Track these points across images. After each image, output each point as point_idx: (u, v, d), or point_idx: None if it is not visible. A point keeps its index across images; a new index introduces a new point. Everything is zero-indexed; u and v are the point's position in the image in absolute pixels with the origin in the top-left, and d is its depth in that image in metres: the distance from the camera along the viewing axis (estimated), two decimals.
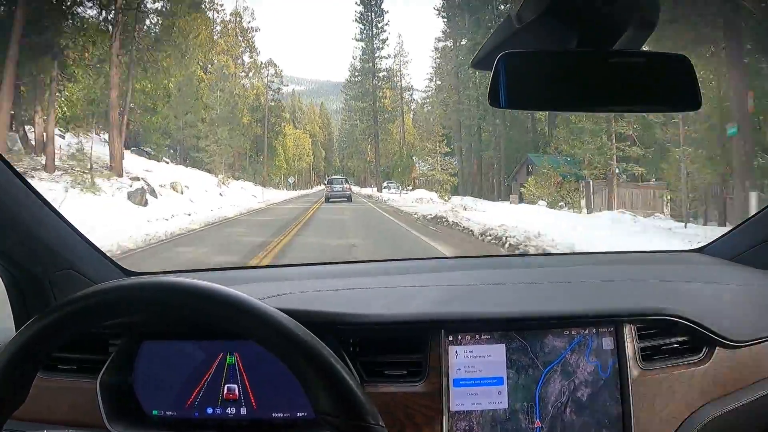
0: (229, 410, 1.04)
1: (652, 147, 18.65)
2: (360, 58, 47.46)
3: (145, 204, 15.80)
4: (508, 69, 0.75)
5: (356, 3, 45.76)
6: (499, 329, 1.02)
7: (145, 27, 21.47)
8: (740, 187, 12.37)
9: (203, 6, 30.93)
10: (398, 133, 49.27)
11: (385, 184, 43.28)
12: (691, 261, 1.49)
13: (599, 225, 11.78)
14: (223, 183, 26.91)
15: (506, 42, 0.79)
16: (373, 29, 46.48)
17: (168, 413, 1.04)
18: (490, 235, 10.26)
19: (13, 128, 17.70)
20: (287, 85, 49.87)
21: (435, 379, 1.00)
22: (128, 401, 1.04)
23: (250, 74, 42.00)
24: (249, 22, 42.35)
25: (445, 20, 36.16)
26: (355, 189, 44.52)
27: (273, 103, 45.85)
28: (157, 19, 21.94)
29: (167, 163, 27.89)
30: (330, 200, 25.86)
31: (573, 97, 0.79)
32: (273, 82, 45.96)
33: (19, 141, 17.94)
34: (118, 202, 14.93)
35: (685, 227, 12.10)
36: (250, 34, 41.70)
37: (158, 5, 21.87)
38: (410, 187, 38.69)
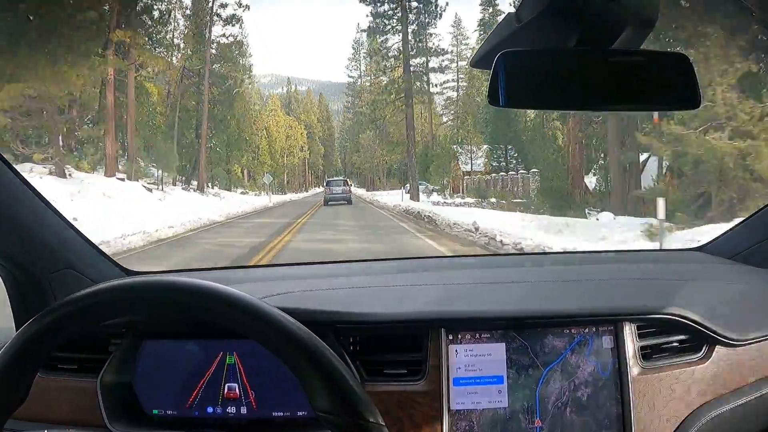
0: (229, 409, 1.04)
1: None
2: None
3: None
4: (508, 68, 0.75)
5: None
6: (499, 328, 1.02)
7: None
8: None
9: None
10: (420, 116, 33.42)
11: (422, 188, 28.31)
12: (690, 260, 1.49)
13: None
14: None
15: (505, 41, 0.79)
16: None
17: (168, 412, 1.05)
18: None
19: None
20: (247, 7, 28.09)
21: (435, 378, 1.00)
22: (129, 400, 1.04)
23: None
24: None
25: None
26: (360, 192, 34.88)
27: (225, 40, 26.36)
28: None
29: None
30: (329, 203, 24.24)
31: (572, 95, 0.79)
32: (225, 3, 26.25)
33: None
34: None
35: None
36: None
37: None
38: (448, 191, 26.96)
